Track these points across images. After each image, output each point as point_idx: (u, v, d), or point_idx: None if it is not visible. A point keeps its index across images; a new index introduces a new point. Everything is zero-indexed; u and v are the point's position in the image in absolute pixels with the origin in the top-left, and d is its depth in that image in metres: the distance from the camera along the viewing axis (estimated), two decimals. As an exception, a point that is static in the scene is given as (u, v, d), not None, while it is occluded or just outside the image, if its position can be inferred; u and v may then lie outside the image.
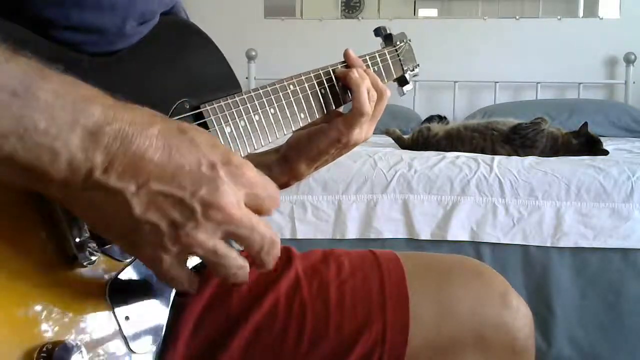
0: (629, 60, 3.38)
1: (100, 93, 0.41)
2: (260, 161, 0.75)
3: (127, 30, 0.55)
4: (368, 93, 0.71)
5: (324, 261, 0.66)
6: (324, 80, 0.72)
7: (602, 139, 2.18)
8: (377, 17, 3.72)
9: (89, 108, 0.39)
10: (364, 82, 0.71)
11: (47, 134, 0.38)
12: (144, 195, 0.41)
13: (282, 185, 0.77)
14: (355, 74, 0.71)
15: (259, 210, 0.45)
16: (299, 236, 1.79)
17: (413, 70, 0.94)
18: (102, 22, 0.53)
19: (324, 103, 0.72)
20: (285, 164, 0.75)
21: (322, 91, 0.72)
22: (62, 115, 0.38)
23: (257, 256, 0.45)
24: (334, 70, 0.73)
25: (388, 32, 0.91)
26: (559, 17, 3.57)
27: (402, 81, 0.92)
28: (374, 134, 2.44)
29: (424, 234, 1.76)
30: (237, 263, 0.44)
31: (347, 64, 0.74)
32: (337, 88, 0.74)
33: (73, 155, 0.38)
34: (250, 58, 3.63)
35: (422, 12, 3.78)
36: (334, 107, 0.73)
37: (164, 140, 0.41)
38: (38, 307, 0.43)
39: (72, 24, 0.51)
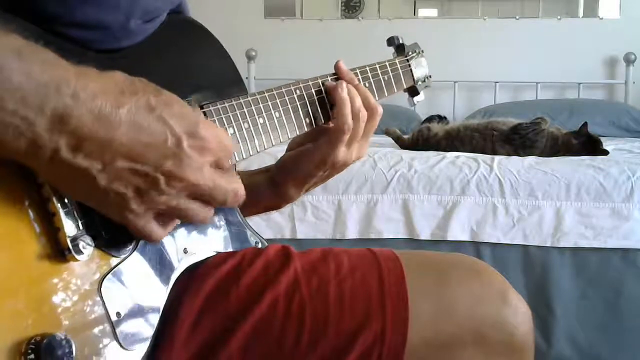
0: (629, 60, 3.38)
1: (74, 73, 0.42)
2: (250, 182, 0.74)
3: (131, 27, 0.55)
4: (358, 111, 0.68)
5: (323, 260, 0.66)
6: (314, 93, 0.69)
7: (602, 139, 2.18)
8: (377, 17, 3.72)
9: (60, 90, 0.41)
10: (352, 99, 0.68)
11: (15, 114, 0.39)
12: (110, 171, 0.43)
13: (273, 207, 0.77)
14: (339, 89, 0.68)
15: (219, 166, 0.49)
16: (299, 236, 1.79)
17: (424, 81, 0.93)
18: (106, 19, 0.54)
19: (314, 117, 0.69)
20: (274, 187, 0.74)
21: (319, 103, 0.69)
22: (33, 98, 0.40)
23: (221, 206, 0.50)
24: (323, 83, 0.70)
25: (401, 42, 0.90)
26: (559, 17, 3.57)
27: (412, 91, 0.91)
28: (373, 133, 2.41)
29: (424, 234, 1.76)
30: (200, 212, 0.49)
31: (337, 76, 0.71)
32: (327, 102, 0.70)
33: (38, 135, 0.40)
34: (250, 58, 3.63)
35: (422, 12, 3.78)
36: (323, 122, 0.70)
37: (132, 120, 0.43)
38: (28, 300, 0.43)
39: (76, 20, 0.52)
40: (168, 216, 0.49)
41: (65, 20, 0.51)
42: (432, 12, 3.80)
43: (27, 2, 0.49)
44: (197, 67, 0.62)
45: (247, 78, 3.58)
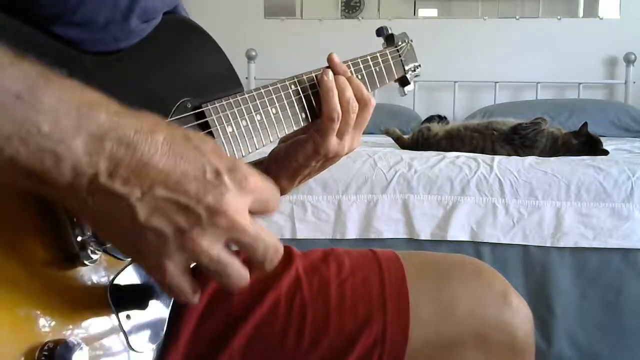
0: (629, 60, 3.39)
1: (105, 99, 0.41)
2: None
3: (130, 27, 0.55)
4: (348, 101, 0.67)
5: (324, 260, 0.66)
6: (308, 87, 0.69)
7: (602, 139, 2.18)
8: (377, 17, 3.72)
9: (94, 113, 0.39)
10: (342, 88, 0.67)
11: (51, 138, 0.37)
12: (149, 201, 0.40)
13: None
14: (324, 77, 0.67)
15: (263, 213, 0.46)
16: (299, 236, 1.79)
17: (414, 70, 0.93)
18: (105, 18, 0.53)
19: (309, 111, 0.69)
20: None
21: (315, 97, 0.69)
22: (67, 120, 0.38)
23: (259, 264, 0.45)
24: (316, 76, 0.70)
25: (389, 32, 0.90)
26: (559, 17, 3.57)
27: (403, 81, 0.91)
28: (373, 133, 2.42)
29: (424, 234, 1.76)
30: (239, 272, 0.44)
31: (331, 68, 0.71)
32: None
33: (77, 160, 0.38)
34: (250, 58, 3.63)
35: (422, 12, 3.78)
36: (318, 115, 0.69)
37: (169, 147, 0.41)
38: (39, 306, 0.43)
39: (76, 20, 0.51)
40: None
41: (64, 21, 0.51)
42: (432, 12, 3.80)
43: (25, 2, 0.49)
44: (194, 67, 0.62)
45: (247, 78, 3.59)
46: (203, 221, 0.41)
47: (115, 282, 0.49)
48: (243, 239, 0.43)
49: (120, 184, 0.40)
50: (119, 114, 0.40)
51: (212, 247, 0.42)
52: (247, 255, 0.44)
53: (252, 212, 0.44)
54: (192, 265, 0.44)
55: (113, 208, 0.40)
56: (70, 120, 0.38)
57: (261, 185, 0.45)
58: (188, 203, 0.41)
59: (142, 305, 0.51)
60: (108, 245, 0.48)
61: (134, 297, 0.51)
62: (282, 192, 0.73)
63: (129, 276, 0.51)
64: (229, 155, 0.57)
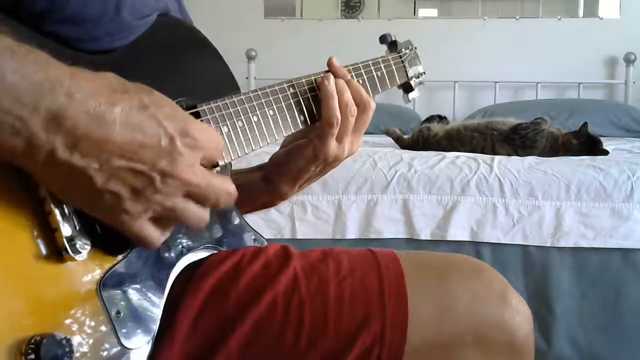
0: (629, 60, 3.39)
1: (67, 72, 0.42)
2: (245, 179, 0.74)
3: (124, 21, 0.55)
4: (346, 105, 0.67)
5: (322, 259, 0.66)
6: (307, 90, 0.69)
7: (602, 139, 2.18)
8: (377, 17, 3.72)
9: (54, 90, 0.41)
10: (341, 92, 0.67)
11: (10, 113, 0.39)
12: (106, 170, 0.44)
13: (267, 204, 0.76)
14: (325, 82, 0.67)
15: (210, 162, 0.51)
16: (299, 236, 1.79)
17: (418, 77, 0.93)
18: (95, 11, 0.54)
19: (308, 114, 0.68)
20: (268, 184, 0.73)
21: (313, 100, 0.69)
22: (27, 97, 0.40)
23: (213, 206, 0.51)
24: (315, 80, 0.70)
25: (393, 39, 0.89)
26: (559, 17, 3.57)
27: (407, 88, 0.91)
28: (373, 133, 2.42)
29: (424, 234, 1.76)
30: (195, 214, 0.49)
31: (331, 72, 0.70)
32: (320, 98, 0.69)
33: (33, 135, 0.40)
34: (250, 58, 3.63)
35: (422, 12, 3.78)
36: (317, 119, 0.69)
37: (126, 119, 0.44)
38: (27, 300, 0.43)
39: (67, 15, 0.51)
40: (164, 220, 0.49)
41: (56, 17, 0.51)
42: (432, 12, 3.80)
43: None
44: (190, 67, 0.62)
45: (247, 78, 3.59)
46: (156, 183, 0.46)
47: (106, 277, 0.49)
48: (194, 191, 0.48)
49: (79, 157, 0.42)
50: (79, 88, 0.42)
51: (166, 200, 0.47)
52: (200, 202, 0.49)
53: (203, 164, 0.49)
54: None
55: (71, 177, 0.43)
56: (30, 98, 0.40)
57: (208, 140, 0.49)
58: (142, 169, 0.45)
59: (133, 302, 0.51)
60: (99, 241, 0.49)
61: (124, 294, 0.50)
62: (283, 197, 0.74)
63: (120, 272, 0.51)
64: (224, 157, 0.57)
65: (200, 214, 0.50)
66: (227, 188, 0.51)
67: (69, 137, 0.42)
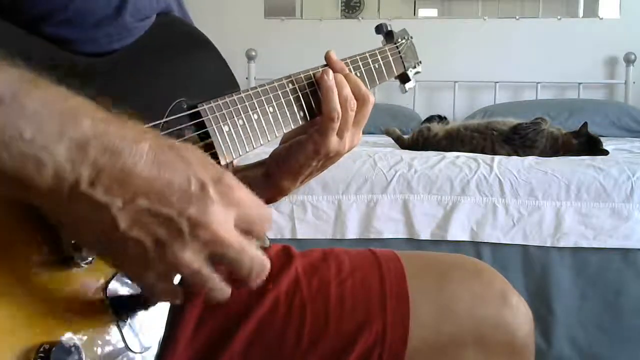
0: (629, 60, 3.39)
1: (91, 106, 0.40)
2: (245, 175, 0.73)
3: (125, 24, 0.55)
4: (346, 99, 0.67)
5: (323, 260, 0.66)
6: (306, 85, 0.68)
7: (602, 139, 2.18)
8: (377, 17, 3.72)
9: (78, 119, 0.38)
10: (340, 86, 0.67)
11: (33, 143, 0.37)
12: (131, 211, 0.39)
13: (268, 201, 0.75)
14: (325, 77, 0.67)
15: (249, 231, 0.44)
16: (299, 236, 1.79)
17: (415, 67, 0.92)
18: (97, 14, 0.53)
19: (307, 109, 0.68)
20: (269, 179, 0.72)
21: (312, 95, 0.69)
22: (50, 125, 0.37)
23: (244, 278, 0.44)
24: (314, 74, 0.69)
25: (389, 29, 0.89)
26: (559, 17, 3.57)
27: (403, 78, 0.91)
28: (373, 133, 2.42)
29: (424, 234, 1.76)
30: (219, 287, 0.43)
31: (329, 67, 0.70)
32: (319, 93, 0.69)
33: (59, 166, 0.38)
34: (250, 58, 3.63)
35: (422, 12, 3.78)
36: (317, 113, 0.69)
37: (154, 156, 0.40)
38: (35, 308, 0.43)
39: (67, 17, 0.51)
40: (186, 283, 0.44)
41: (55, 19, 0.50)
42: (432, 12, 3.80)
43: (13, 1, 0.48)
44: (189, 67, 0.61)
45: (247, 78, 3.58)
46: (185, 234, 0.40)
47: (112, 283, 0.49)
48: (227, 253, 0.42)
49: (102, 192, 0.39)
50: (105, 120, 0.39)
51: (193, 260, 0.41)
52: (233, 269, 0.43)
53: (238, 227, 0.43)
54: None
55: (93, 216, 0.39)
56: (54, 126, 0.37)
57: (248, 199, 0.44)
58: (170, 215, 0.40)
59: (139, 306, 0.51)
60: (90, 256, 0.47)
61: (131, 298, 0.50)
62: (284, 192, 0.73)
63: (126, 277, 0.50)
64: (226, 156, 0.57)
65: (225, 288, 0.44)
66: (261, 259, 0.44)
67: (93, 169, 0.38)
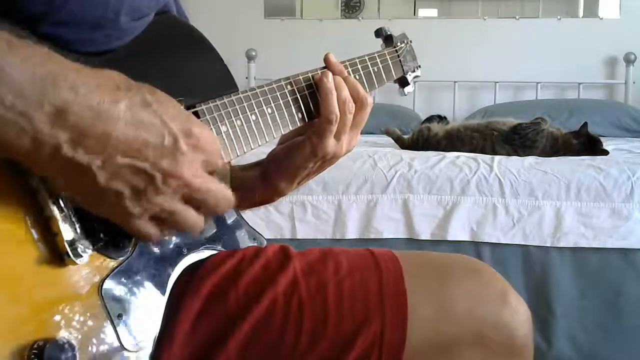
0: (629, 60, 3.39)
1: (70, 67, 0.42)
2: (242, 176, 0.73)
3: (121, 24, 0.55)
4: (344, 102, 0.67)
5: (322, 260, 0.66)
6: (305, 87, 0.68)
7: (602, 139, 2.18)
8: (377, 17, 3.72)
9: (57, 84, 0.40)
10: (339, 89, 0.67)
11: (14, 108, 0.39)
12: (110, 168, 0.43)
13: (265, 201, 0.75)
14: (324, 79, 0.67)
15: (212, 171, 0.50)
16: (299, 236, 1.79)
17: (414, 71, 0.93)
18: (94, 16, 0.53)
19: (306, 111, 0.68)
20: (266, 180, 0.72)
21: (310, 97, 0.69)
22: (30, 91, 0.39)
23: (212, 212, 0.50)
24: (313, 77, 0.69)
25: (388, 33, 0.89)
26: (559, 17, 3.57)
27: (403, 82, 0.91)
28: (373, 133, 2.42)
29: (424, 234, 1.76)
30: (193, 217, 0.49)
31: (328, 69, 0.70)
32: (317, 95, 0.69)
33: (38, 131, 0.40)
34: (250, 58, 3.63)
35: (422, 12, 3.78)
36: (315, 115, 0.69)
37: (130, 116, 0.44)
38: (30, 305, 0.43)
39: (63, 18, 0.51)
40: (163, 221, 0.49)
41: (51, 19, 0.51)
42: (432, 12, 3.80)
43: (10, 1, 0.49)
44: (188, 67, 0.61)
45: (247, 78, 3.59)
46: (157, 182, 0.45)
47: (107, 281, 0.49)
48: (195, 195, 0.48)
49: (83, 153, 0.42)
50: (84, 83, 0.42)
51: (166, 201, 0.46)
52: (199, 205, 0.49)
53: (203, 168, 0.48)
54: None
55: (74, 174, 0.43)
56: (34, 92, 0.39)
57: (210, 142, 0.49)
58: (144, 167, 0.45)
59: (134, 304, 0.51)
60: (100, 245, 0.49)
61: (126, 297, 0.50)
62: (281, 193, 0.73)
63: (121, 275, 0.51)
64: (224, 156, 0.57)
65: (197, 219, 0.49)
66: (226, 195, 0.50)
67: (73, 133, 0.41)
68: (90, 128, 0.42)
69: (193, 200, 0.48)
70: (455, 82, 3.52)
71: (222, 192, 0.50)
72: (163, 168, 0.45)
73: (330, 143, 0.67)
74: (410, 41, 0.93)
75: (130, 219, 0.47)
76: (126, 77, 0.46)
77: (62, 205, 0.46)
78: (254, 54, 3.63)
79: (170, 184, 0.46)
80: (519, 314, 0.64)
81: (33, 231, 0.45)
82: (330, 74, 0.67)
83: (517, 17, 3.60)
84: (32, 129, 0.40)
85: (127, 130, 0.43)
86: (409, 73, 0.91)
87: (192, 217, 0.49)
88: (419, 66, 0.94)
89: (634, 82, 3.41)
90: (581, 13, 3.62)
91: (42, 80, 0.40)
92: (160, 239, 0.50)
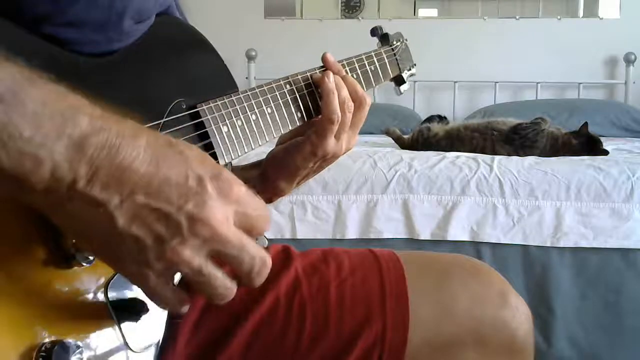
0: (629, 60, 3.39)
1: (89, 103, 0.40)
2: (241, 176, 0.73)
3: (124, 27, 0.55)
4: (343, 101, 0.67)
5: (323, 260, 0.66)
6: (303, 87, 0.69)
7: (602, 139, 2.18)
8: (377, 17, 3.72)
9: (76, 118, 0.38)
10: (338, 89, 0.67)
11: (32, 141, 0.37)
12: (129, 208, 0.39)
13: (265, 201, 0.75)
14: (326, 79, 0.67)
15: (248, 230, 0.43)
16: (299, 236, 1.79)
17: (410, 69, 0.93)
18: (98, 18, 0.53)
19: (305, 111, 0.69)
20: (265, 180, 0.72)
21: (310, 96, 0.69)
22: (48, 124, 0.37)
23: (246, 277, 0.43)
24: (311, 76, 0.70)
25: (384, 31, 0.90)
26: (559, 17, 3.57)
27: (399, 81, 0.91)
28: (373, 133, 2.42)
29: (424, 234, 1.76)
30: (223, 284, 0.43)
31: (325, 68, 0.70)
32: (316, 94, 0.70)
33: (57, 165, 0.38)
34: (250, 58, 3.63)
35: (422, 12, 3.78)
36: (314, 115, 0.69)
37: (152, 152, 0.40)
38: (36, 307, 0.43)
39: (68, 19, 0.51)
40: (188, 284, 0.43)
41: (55, 20, 0.50)
42: (432, 12, 3.80)
43: (17, 2, 0.48)
44: (188, 67, 0.62)
45: (247, 78, 3.58)
46: (183, 230, 0.40)
47: (113, 282, 0.49)
48: (226, 249, 0.41)
49: (99, 189, 0.39)
50: (102, 118, 0.39)
51: (194, 257, 0.40)
52: (233, 267, 0.43)
53: (237, 224, 0.42)
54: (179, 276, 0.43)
55: (91, 214, 0.39)
56: (53, 125, 0.37)
57: (246, 196, 0.43)
58: (168, 211, 0.40)
59: (139, 305, 0.51)
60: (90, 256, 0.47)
61: (131, 298, 0.51)
62: (281, 193, 0.73)
63: (127, 279, 0.51)
64: (225, 156, 0.57)
65: (229, 285, 0.43)
66: (263, 256, 0.43)
67: (91, 167, 0.38)
68: (107, 162, 0.39)
69: (224, 256, 0.42)
70: (455, 82, 3.52)
71: (259, 253, 0.43)
72: (189, 212, 0.40)
73: (330, 143, 0.67)
74: (406, 40, 0.93)
75: (150, 276, 0.41)
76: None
77: None
78: (254, 54, 3.63)
79: (198, 233, 0.40)
80: (519, 314, 0.64)
81: (39, 233, 0.44)
82: (331, 74, 0.68)
83: (517, 17, 3.59)
84: (51, 161, 0.37)
85: (147, 167, 0.40)
86: (405, 71, 0.91)
87: (223, 280, 0.42)
88: (415, 64, 0.95)
89: (634, 82, 3.41)
90: (581, 13, 3.62)
91: (61, 114, 0.38)
92: (179, 309, 0.44)
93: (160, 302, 0.44)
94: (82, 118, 0.39)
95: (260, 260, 0.43)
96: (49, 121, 0.37)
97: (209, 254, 0.41)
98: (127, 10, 0.55)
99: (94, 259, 0.46)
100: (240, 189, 0.43)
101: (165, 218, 0.40)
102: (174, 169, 0.40)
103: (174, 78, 0.59)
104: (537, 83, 3.46)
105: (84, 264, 0.46)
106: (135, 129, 0.41)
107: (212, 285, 0.42)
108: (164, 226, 0.40)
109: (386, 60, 0.85)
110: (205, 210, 0.40)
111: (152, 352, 0.51)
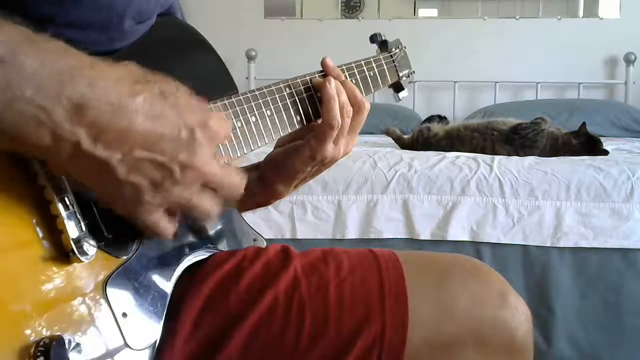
0: (629, 60, 3.39)
1: (88, 62, 0.42)
2: None
3: (126, 28, 0.55)
4: (342, 106, 0.67)
5: (323, 260, 0.66)
6: (303, 90, 0.69)
7: (602, 139, 2.18)
8: (377, 17, 3.72)
9: (75, 79, 0.40)
10: (338, 94, 0.67)
11: (33, 102, 0.38)
12: (129, 162, 0.44)
13: (263, 204, 0.76)
14: (327, 85, 0.67)
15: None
16: (299, 236, 1.79)
17: (408, 76, 0.94)
18: (100, 19, 0.54)
19: (304, 115, 0.69)
20: (263, 183, 0.73)
21: (309, 100, 0.69)
22: (49, 85, 0.39)
23: (226, 197, 0.51)
24: (311, 80, 0.70)
25: (383, 38, 0.90)
26: (559, 17, 3.57)
27: (397, 87, 0.92)
28: (373, 133, 2.43)
29: (424, 234, 1.76)
30: (208, 205, 0.50)
31: (325, 73, 0.71)
32: (315, 99, 0.70)
33: (58, 126, 0.40)
34: (250, 58, 3.63)
35: (422, 12, 3.79)
36: (313, 119, 0.70)
37: (148, 109, 0.44)
38: (35, 302, 0.43)
39: (70, 20, 0.51)
40: (177, 210, 0.50)
41: (59, 21, 0.51)
42: (432, 12, 3.80)
43: (20, 3, 0.49)
44: (188, 68, 0.62)
45: (247, 78, 3.58)
46: (176, 175, 0.46)
47: (112, 279, 0.49)
48: (209, 182, 0.49)
49: (102, 148, 0.42)
50: (101, 77, 0.42)
51: (183, 193, 0.47)
52: (215, 192, 0.50)
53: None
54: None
55: (93, 168, 0.43)
56: (52, 86, 0.39)
57: (225, 131, 0.50)
58: (163, 161, 0.45)
59: (138, 302, 0.51)
60: (104, 243, 0.49)
61: (130, 294, 0.51)
62: (279, 196, 0.74)
63: (125, 273, 0.51)
64: (224, 157, 0.57)
65: (212, 204, 0.50)
66: (237, 184, 0.51)
67: (92, 128, 0.41)
68: (109, 123, 0.42)
69: (208, 186, 0.49)
70: (455, 82, 3.52)
71: (236, 177, 0.51)
72: (181, 161, 0.46)
73: (329, 147, 0.68)
74: (405, 47, 0.94)
75: (147, 212, 0.47)
76: (143, 69, 0.46)
77: (68, 202, 0.46)
78: (254, 54, 3.63)
79: (188, 176, 0.47)
80: (518, 314, 0.64)
81: (38, 229, 0.45)
82: (332, 80, 0.68)
83: (517, 17, 3.60)
84: (52, 123, 0.40)
85: (146, 124, 0.44)
86: (404, 78, 0.91)
87: (208, 201, 0.50)
88: (413, 72, 0.95)
89: (634, 82, 3.41)
90: (581, 13, 3.62)
91: (60, 74, 0.40)
92: (172, 232, 0.50)
93: (155, 233, 0.49)
94: (81, 80, 0.41)
95: (236, 187, 0.51)
96: (48, 82, 0.39)
97: (197, 188, 0.48)
98: (127, 11, 0.55)
99: (93, 255, 0.47)
100: (222, 129, 0.49)
101: (161, 166, 0.45)
102: (168, 123, 0.45)
103: (173, 78, 0.59)
104: (537, 83, 3.46)
105: (83, 260, 0.46)
106: (132, 86, 0.44)
107: (200, 207, 0.49)
108: (159, 173, 0.45)
109: (385, 67, 0.86)
110: (194, 158, 0.46)
111: (150, 349, 0.52)
